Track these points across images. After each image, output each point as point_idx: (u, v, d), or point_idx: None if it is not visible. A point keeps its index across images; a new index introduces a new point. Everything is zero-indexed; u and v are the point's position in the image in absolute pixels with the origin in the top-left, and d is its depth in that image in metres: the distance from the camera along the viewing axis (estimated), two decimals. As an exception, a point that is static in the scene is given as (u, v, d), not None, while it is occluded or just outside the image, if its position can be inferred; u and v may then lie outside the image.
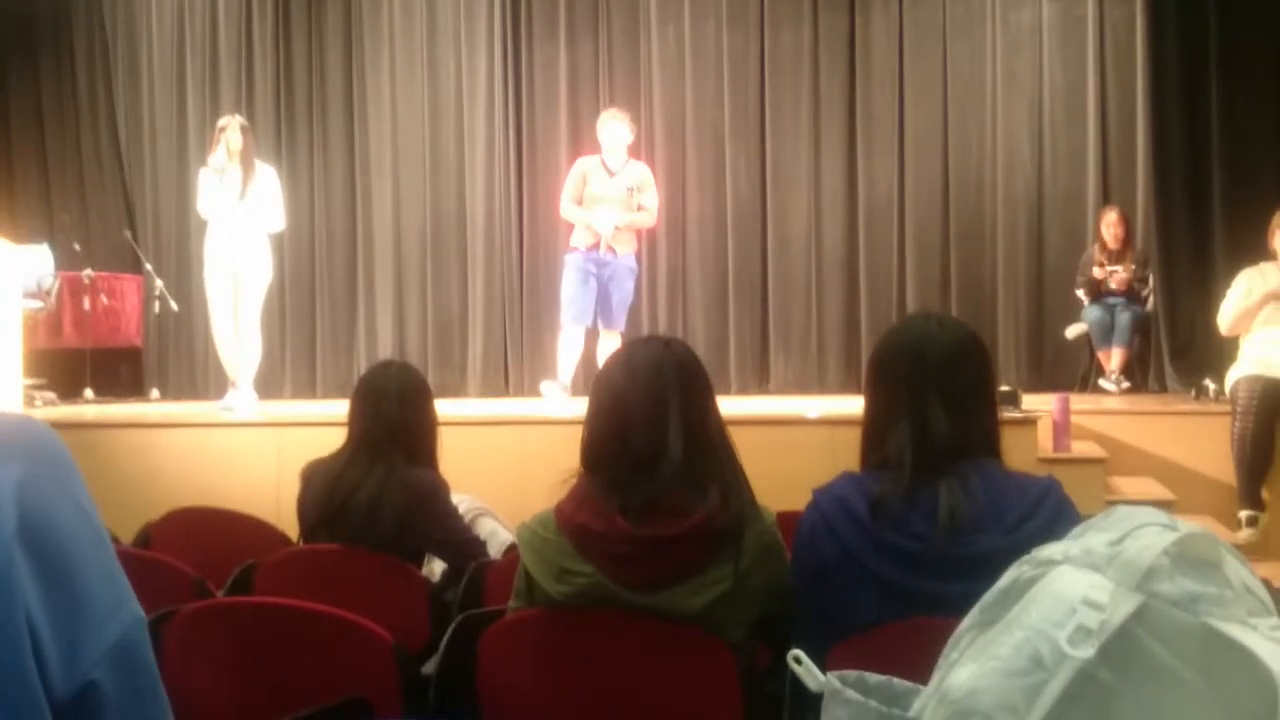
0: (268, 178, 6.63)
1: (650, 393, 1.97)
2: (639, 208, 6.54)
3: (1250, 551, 4.63)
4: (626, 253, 6.55)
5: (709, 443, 1.98)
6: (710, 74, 8.33)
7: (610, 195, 6.47)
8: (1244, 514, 5.22)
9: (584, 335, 6.62)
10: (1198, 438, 5.65)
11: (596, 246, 6.46)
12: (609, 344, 6.47)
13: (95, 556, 0.87)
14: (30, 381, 7.18)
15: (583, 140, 7.37)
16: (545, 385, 6.74)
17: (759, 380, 8.20)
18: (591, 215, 6.47)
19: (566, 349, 6.67)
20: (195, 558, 2.76)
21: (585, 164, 6.64)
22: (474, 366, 8.56)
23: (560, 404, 6.40)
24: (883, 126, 8.08)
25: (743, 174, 8.27)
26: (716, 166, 8.32)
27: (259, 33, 8.96)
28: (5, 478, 0.82)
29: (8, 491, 0.81)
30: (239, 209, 6.50)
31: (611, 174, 6.51)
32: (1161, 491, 5.31)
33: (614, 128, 6.53)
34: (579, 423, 2.06)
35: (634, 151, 8.32)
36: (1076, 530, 0.99)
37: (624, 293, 6.53)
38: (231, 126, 6.52)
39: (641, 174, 6.64)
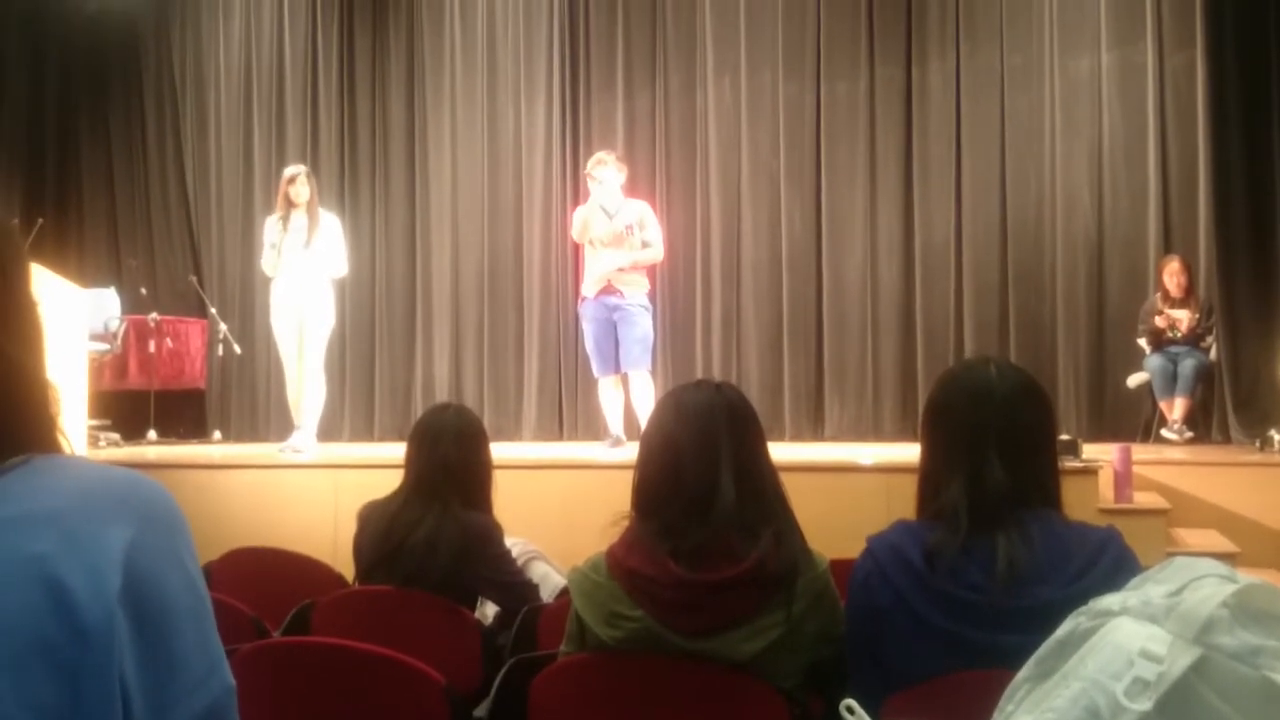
0: (332, 225, 6.74)
1: (702, 436, 1.97)
2: (643, 244, 6.57)
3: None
4: (636, 293, 6.53)
5: (761, 487, 1.97)
6: (766, 124, 8.37)
7: (611, 237, 6.50)
8: (1313, 569, 5.09)
9: (619, 382, 6.63)
10: (1263, 489, 5.53)
11: (604, 291, 6.49)
12: (638, 384, 6.47)
13: (194, 623, 0.89)
14: (95, 422, 7.33)
15: (638, 190, 7.42)
16: (599, 449, 6.71)
17: (814, 426, 8.15)
18: (597, 264, 6.53)
19: (606, 401, 6.70)
20: (253, 597, 2.79)
21: (583, 212, 6.65)
22: (529, 410, 8.61)
23: (619, 453, 6.38)
24: (939, 173, 8.06)
25: (798, 220, 8.27)
26: (772, 213, 8.34)
27: (324, 84, 9.17)
28: (115, 539, 0.84)
29: (116, 553, 0.83)
30: (304, 257, 6.61)
31: (610, 216, 6.54)
32: (1225, 544, 5.19)
33: (601, 172, 6.56)
34: (631, 467, 2.06)
35: (690, 198, 8.44)
36: (1134, 581, 0.98)
37: (639, 332, 6.47)
38: (299, 179, 6.63)
39: (641, 211, 6.64)
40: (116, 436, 7.76)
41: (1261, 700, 0.84)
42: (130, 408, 8.17)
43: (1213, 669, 0.85)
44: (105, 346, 7.81)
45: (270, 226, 6.74)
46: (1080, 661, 0.92)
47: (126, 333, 8.12)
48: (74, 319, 6.14)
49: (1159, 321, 7.05)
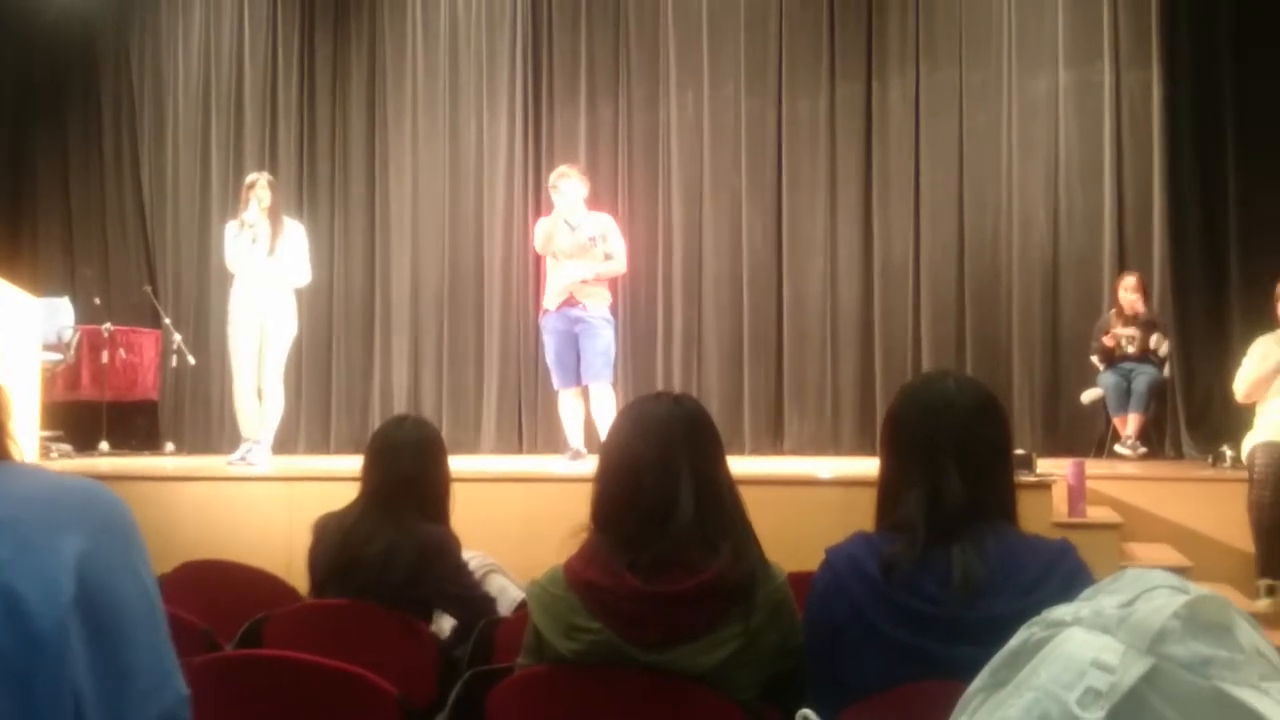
0: (295, 233, 6.69)
1: (661, 449, 1.96)
2: (606, 256, 6.58)
3: (1269, 621, 4.56)
4: (598, 305, 6.56)
5: (720, 499, 1.97)
6: (728, 138, 8.40)
7: (574, 249, 6.52)
8: (1263, 583, 5.14)
9: (579, 395, 6.63)
10: (1215, 504, 5.59)
11: (566, 304, 6.51)
12: (598, 397, 6.48)
13: (147, 631, 0.88)
14: (47, 433, 7.22)
15: (600, 202, 7.42)
16: (559, 462, 6.70)
17: (773, 440, 8.17)
18: (559, 276, 6.55)
19: (567, 414, 6.71)
20: (205, 610, 2.76)
21: (546, 224, 6.67)
22: (488, 423, 8.57)
23: (578, 466, 6.37)
24: (899, 190, 8.12)
25: (759, 235, 8.31)
26: (733, 228, 8.37)
27: (283, 94, 9.11)
28: (69, 547, 0.83)
29: (69, 561, 0.82)
30: (267, 264, 6.54)
31: (573, 229, 6.56)
32: (1178, 558, 5.25)
33: (564, 185, 6.58)
34: (590, 480, 2.05)
35: (652, 211, 8.46)
36: (1087, 592, 0.99)
37: (601, 344, 6.50)
38: (260, 183, 6.58)
39: (604, 223, 6.68)
40: (69, 448, 7.65)
41: (1213, 710, 0.84)
42: (83, 418, 8.06)
43: (1164, 679, 0.85)
44: (58, 356, 7.71)
45: (230, 231, 6.67)
46: (1033, 671, 0.92)
47: (80, 343, 8.02)
48: (27, 328, 6.05)
49: (1107, 340, 7.12)
